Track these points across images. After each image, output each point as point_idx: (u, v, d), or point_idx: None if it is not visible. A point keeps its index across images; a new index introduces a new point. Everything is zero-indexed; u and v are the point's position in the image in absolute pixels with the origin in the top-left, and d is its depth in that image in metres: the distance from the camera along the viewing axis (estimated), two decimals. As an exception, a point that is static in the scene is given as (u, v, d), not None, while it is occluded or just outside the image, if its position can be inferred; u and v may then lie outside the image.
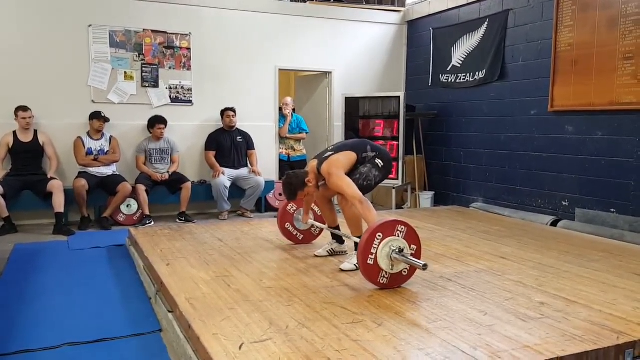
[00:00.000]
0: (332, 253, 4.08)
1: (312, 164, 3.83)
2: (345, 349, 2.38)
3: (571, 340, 2.47)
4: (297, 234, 4.46)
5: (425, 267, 3.10)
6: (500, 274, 3.62)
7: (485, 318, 2.78)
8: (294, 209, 4.39)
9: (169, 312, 3.09)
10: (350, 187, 3.52)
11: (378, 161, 3.78)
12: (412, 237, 3.27)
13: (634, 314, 2.84)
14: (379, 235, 3.16)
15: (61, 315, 3.28)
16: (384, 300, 3.06)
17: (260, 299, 3.05)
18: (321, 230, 4.41)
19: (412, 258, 3.19)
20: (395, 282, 3.27)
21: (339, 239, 4.11)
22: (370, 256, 3.15)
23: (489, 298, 3.10)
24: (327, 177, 3.66)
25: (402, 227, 3.24)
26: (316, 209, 4.28)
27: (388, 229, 3.20)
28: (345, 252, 4.05)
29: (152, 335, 3.00)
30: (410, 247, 3.24)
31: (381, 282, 3.23)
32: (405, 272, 3.29)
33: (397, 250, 3.18)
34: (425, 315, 2.82)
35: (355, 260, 3.68)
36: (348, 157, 3.73)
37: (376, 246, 3.15)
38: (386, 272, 3.21)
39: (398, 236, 3.21)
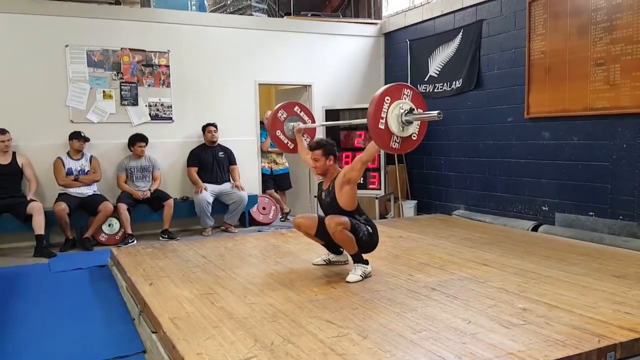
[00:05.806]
0: (329, 262, 4.11)
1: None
2: (331, 363, 2.38)
3: (554, 345, 2.50)
4: (287, 143, 4.50)
5: (440, 115, 3.21)
6: (483, 281, 3.66)
7: (469, 326, 2.80)
8: (285, 116, 4.42)
9: (153, 332, 3.06)
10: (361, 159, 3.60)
11: (367, 227, 3.79)
12: (418, 100, 3.37)
13: (614, 316, 2.89)
14: (387, 99, 3.25)
15: (43, 339, 3.24)
16: (369, 312, 3.07)
17: (244, 316, 3.04)
18: (311, 139, 4.41)
19: (425, 113, 3.30)
20: (406, 147, 3.40)
21: (334, 250, 4.12)
22: (381, 120, 3.24)
23: (472, 306, 3.13)
24: (348, 171, 3.67)
25: (408, 90, 3.34)
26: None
27: (395, 92, 3.30)
28: (345, 261, 4.05)
29: (136, 357, 2.98)
30: (417, 110, 3.34)
31: (393, 147, 3.34)
32: (414, 136, 3.39)
33: (407, 112, 3.27)
34: (409, 326, 2.83)
35: (359, 272, 3.71)
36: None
37: (385, 110, 3.23)
38: (397, 137, 3.31)
39: (405, 99, 3.31)
